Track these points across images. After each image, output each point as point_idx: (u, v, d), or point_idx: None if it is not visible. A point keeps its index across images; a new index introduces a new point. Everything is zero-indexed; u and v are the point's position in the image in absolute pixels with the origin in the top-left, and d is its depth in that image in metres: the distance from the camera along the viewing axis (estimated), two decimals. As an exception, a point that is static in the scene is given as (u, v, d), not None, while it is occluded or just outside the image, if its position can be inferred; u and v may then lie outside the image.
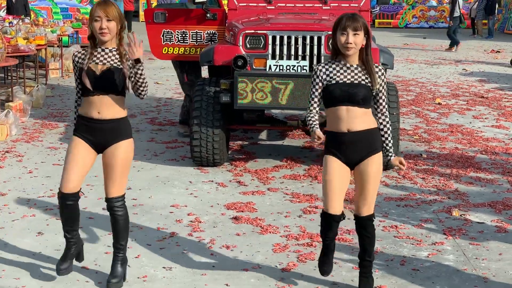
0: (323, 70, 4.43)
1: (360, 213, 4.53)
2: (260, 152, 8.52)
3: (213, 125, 7.47)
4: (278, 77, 7.15)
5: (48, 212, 6.16)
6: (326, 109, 4.47)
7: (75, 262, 4.85)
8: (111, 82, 4.48)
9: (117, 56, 4.53)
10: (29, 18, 15.65)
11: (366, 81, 4.38)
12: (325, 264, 4.62)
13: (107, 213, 4.74)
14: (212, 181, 7.26)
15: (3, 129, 8.95)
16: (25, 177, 7.30)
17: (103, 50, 4.55)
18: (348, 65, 4.39)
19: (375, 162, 4.41)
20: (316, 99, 4.46)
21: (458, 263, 5.18)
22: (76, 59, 4.61)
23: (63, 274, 4.70)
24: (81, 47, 14.49)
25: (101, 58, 4.53)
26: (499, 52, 21.75)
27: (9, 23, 13.73)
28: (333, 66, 4.42)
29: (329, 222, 4.46)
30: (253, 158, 8.21)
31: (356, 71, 4.39)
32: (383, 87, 4.45)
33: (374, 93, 4.42)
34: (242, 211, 6.28)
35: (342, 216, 4.47)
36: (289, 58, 7.42)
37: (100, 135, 4.56)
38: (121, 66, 4.50)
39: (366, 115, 4.39)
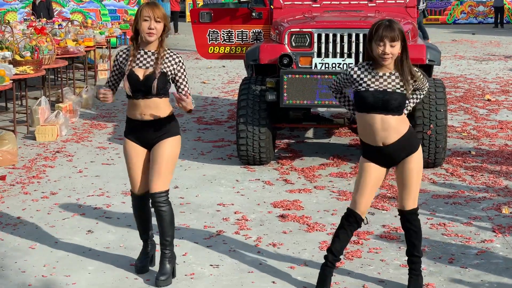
0: (356, 73, 4.40)
1: (405, 207, 4.53)
2: (306, 150, 8.51)
3: (259, 123, 7.49)
4: (324, 75, 7.14)
5: (97, 210, 6.26)
6: (358, 113, 4.46)
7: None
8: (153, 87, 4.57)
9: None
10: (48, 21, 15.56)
11: (402, 88, 4.35)
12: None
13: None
14: (259, 179, 7.29)
15: (53, 130, 9.12)
16: (75, 176, 7.43)
17: (145, 53, 4.61)
18: (380, 73, 4.36)
19: (415, 159, 4.44)
20: (336, 86, 4.62)
21: (508, 261, 5.10)
22: (121, 59, 4.69)
23: (139, 272, 4.88)
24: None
25: (144, 62, 4.60)
26: (550, 47, 21.35)
27: (59, 25, 13.96)
28: (365, 73, 4.38)
29: (351, 221, 4.50)
30: (300, 156, 8.21)
31: (390, 79, 4.36)
32: (422, 82, 4.51)
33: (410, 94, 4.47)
34: (289, 209, 6.29)
35: (365, 220, 4.53)
36: (334, 56, 7.40)
37: (146, 135, 4.68)
38: (165, 70, 4.57)
39: (399, 122, 4.38)
